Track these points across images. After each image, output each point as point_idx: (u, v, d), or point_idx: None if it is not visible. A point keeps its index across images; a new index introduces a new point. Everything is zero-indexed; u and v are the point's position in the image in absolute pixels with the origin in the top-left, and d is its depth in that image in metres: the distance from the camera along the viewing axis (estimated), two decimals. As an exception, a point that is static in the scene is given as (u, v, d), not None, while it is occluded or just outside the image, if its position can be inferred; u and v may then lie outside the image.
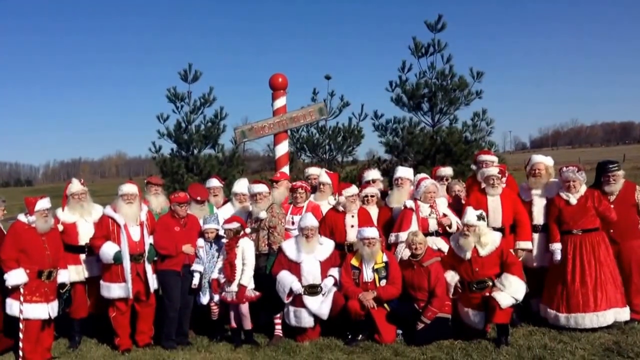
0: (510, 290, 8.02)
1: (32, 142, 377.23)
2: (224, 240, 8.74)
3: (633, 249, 8.70)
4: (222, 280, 8.67)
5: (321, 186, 9.86)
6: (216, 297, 8.79)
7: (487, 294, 8.13)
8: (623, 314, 8.43)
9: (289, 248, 8.82)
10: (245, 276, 8.62)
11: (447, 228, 8.88)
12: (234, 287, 8.60)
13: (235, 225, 8.68)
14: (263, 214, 9.01)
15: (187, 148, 15.62)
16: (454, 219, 8.95)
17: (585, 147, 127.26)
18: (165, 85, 15.86)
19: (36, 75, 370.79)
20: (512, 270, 8.10)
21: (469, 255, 8.18)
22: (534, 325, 8.74)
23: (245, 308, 8.63)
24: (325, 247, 8.89)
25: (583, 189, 8.72)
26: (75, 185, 9.07)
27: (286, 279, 8.66)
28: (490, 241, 8.16)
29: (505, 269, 8.14)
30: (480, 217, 8.22)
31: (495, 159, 9.71)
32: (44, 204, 8.16)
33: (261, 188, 9.17)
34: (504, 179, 9.10)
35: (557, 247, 8.66)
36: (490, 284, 8.18)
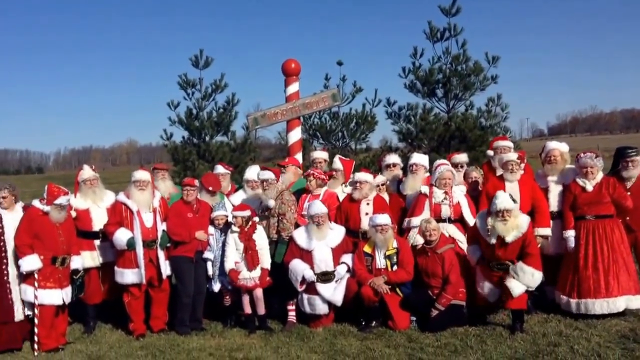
0: (524, 280, 7.95)
1: (43, 129, 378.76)
2: (235, 228, 8.70)
3: (649, 237, 8.62)
4: (240, 269, 8.66)
5: (334, 172, 9.84)
6: (227, 284, 8.81)
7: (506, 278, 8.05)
8: (636, 301, 8.36)
9: (300, 237, 8.80)
10: (267, 260, 8.74)
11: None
12: (255, 273, 8.63)
13: (246, 213, 8.67)
14: (272, 203, 8.99)
15: (199, 135, 15.57)
16: (466, 210, 8.89)
17: (604, 134, 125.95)
18: (177, 72, 15.80)
19: (46, 61, 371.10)
20: (528, 261, 7.97)
21: (494, 240, 8.03)
22: (549, 312, 8.69)
23: (260, 292, 8.65)
24: (336, 233, 8.86)
25: (600, 175, 8.65)
26: (87, 172, 9.09)
27: (298, 267, 8.65)
28: (518, 225, 7.96)
29: (522, 257, 8.03)
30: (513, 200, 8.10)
31: (511, 145, 9.64)
32: (62, 200, 8.16)
33: (268, 175, 9.13)
34: (522, 165, 9.02)
35: (570, 234, 8.60)
36: (511, 266, 8.08)
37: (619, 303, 8.26)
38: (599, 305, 8.26)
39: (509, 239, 7.94)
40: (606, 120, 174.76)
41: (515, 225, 7.93)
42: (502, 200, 7.93)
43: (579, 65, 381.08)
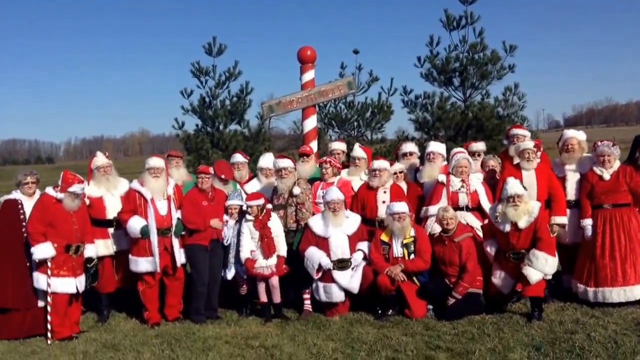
0: (538, 266, 7.90)
1: (53, 119, 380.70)
2: (249, 217, 8.66)
3: (666, 226, 8.55)
4: (255, 258, 8.63)
5: (356, 161, 9.78)
6: (243, 273, 8.79)
7: (522, 266, 8.01)
8: (653, 289, 8.34)
9: (316, 224, 8.75)
10: (283, 247, 8.71)
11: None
12: (271, 261, 8.60)
13: (260, 201, 8.63)
14: (297, 190, 8.94)
15: (212, 124, 15.56)
16: (484, 198, 8.82)
17: (620, 126, 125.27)
18: (190, 60, 15.73)
19: (55, 48, 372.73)
20: (540, 247, 7.93)
21: (508, 228, 8.04)
22: (565, 301, 8.65)
23: (276, 280, 8.62)
24: (352, 221, 8.82)
25: (617, 164, 8.59)
26: (100, 159, 9.05)
27: (315, 255, 8.61)
28: (529, 211, 7.98)
29: (535, 244, 8.00)
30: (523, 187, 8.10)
31: (528, 133, 9.59)
32: (77, 188, 8.11)
33: (286, 163, 9.09)
34: (539, 154, 8.96)
35: (588, 222, 8.55)
36: (526, 254, 8.05)
37: (636, 291, 8.23)
38: (616, 294, 8.23)
39: (521, 224, 7.96)
40: (622, 111, 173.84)
41: (526, 210, 7.97)
42: (513, 185, 8.00)
43: (595, 57, 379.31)
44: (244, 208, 8.82)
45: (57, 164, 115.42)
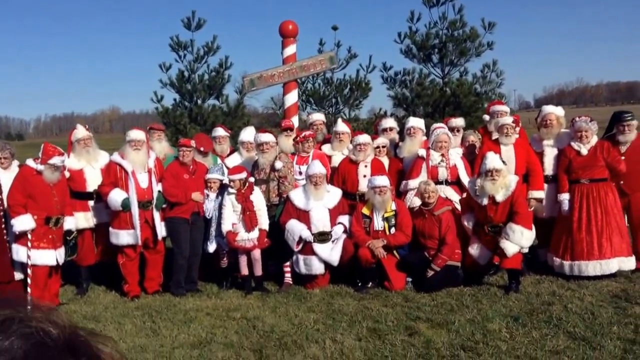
0: (515, 239, 8.03)
1: (22, 95, 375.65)
2: (232, 190, 8.67)
3: (643, 200, 8.69)
4: (237, 231, 8.65)
5: (340, 135, 9.83)
6: (224, 246, 8.81)
7: (499, 239, 8.14)
8: (628, 263, 8.50)
9: (297, 197, 8.81)
10: (265, 221, 8.73)
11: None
12: (253, 235, 8.62)
13: (243, 175, 8.65)
14: (279, 164, 8.98)
15: (190, 98, 15.45)
16: (463, 172, 8.91)
17: (590, 107, 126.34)
18: (163, 36, 15.63)
19: (25, 27, 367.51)
20: (516, 220, 8.06)
21: (486, 201, 8.15)
22: (541, 274, 8.79)
23: (258, 253, 8.66)
24: (333, 194, 8.89)
25: (594, 139, 8.71)
26: (81, 131, 9.02)
27: (295, 227, 8.67)
28: (507, 184, 8.09)
29: (512, 217, 8.12)
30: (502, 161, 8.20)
31: (507, 109, 9.70)
32: (57, 160, 8.06)
33: (268, 137, 9.11)
34: (517, 129, 9.06)
35: (565, 197, 8.68)
36: (503, 228, 8.18)
37: (612, 265, 8.39)
38: (592, 267, 8.39)
39: (498, 197, 8.08)
40: (592, 92, 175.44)
41: (504, 185, 8.08)
42: (492, 160, 8.10)
43: (566, 38, 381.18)
44: (225, 182, 8.84)
45: (28, 140, 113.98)
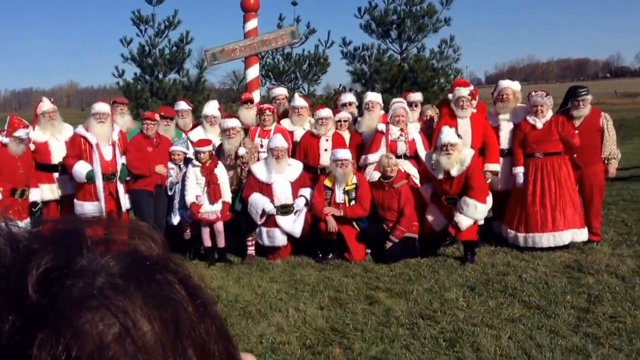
0: (469, 213, 8.23)
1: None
2: (197, 163, 8.74)
3: (595, 173, 8.93)
4: (201, 203, 8.75)
5: (298, 110, 9.93)
6: (187, 218, 8.91)
7: (454, 213, 8.35)
8: (580, 234, 8.73)
9: (259, 170, 8.91)
10: (228, 194, 8.83)
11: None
12: (217, 207, 8.72)
13: (210, 148, 8.74)
14: (242, 150, 9.05)
15: (152, 72, 15.42)
16: (421, 147, 9.09)
17: (541, 84, 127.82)
18: (124, 11, 15.59)
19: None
20: (470, 194, 8.23)
21: (441, 175, 8.31)
22: (496, 245, 9.01)
23: (221, 225, 8.78)
24: (294, 168, 9.03)
25: (549, 114, 8.89)
26: (46, 104, 9.01)
27: (258, 201, 8.78)
28: (461, 159, 8.24)
29: (466, 191, 8.31)
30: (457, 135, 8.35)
31: (471, 88, 9.83)
32: (22, 133, 8.08)
33: (234, 123, 9.14)
34: (474, 102, 9.23)
35: (520, 170, 8.87)
36: (457, 201, 8.38)
37: (565, 236, 8.62)
38: (546, 239, 8.60)
39: (453, 172, 8.22)
40: (542, 69, 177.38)
41: (458, 159, 8.20)
42: (447, 134, 8.21)
43: (517, 15, 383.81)
44: (189, 155, 8.92)
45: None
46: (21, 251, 0.53)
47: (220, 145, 9.31)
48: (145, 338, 0.51)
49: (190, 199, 8.72)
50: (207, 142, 8.84)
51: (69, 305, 0.49)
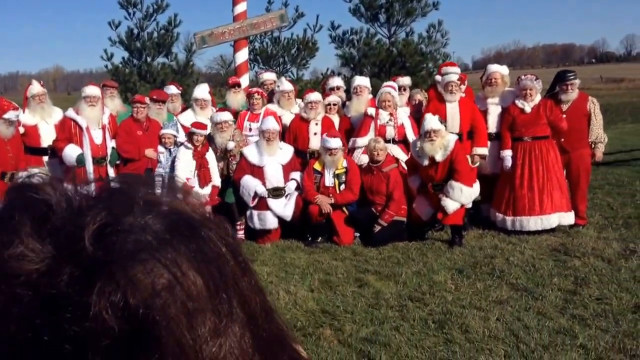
0: (455, 196, 8.27)
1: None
2: (189, 146, 8.72)
3: (582, 157, 9.00)
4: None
5: (287, 94, 9.94)
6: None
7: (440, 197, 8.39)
8: (567, 218, 8.81)
9: (251, 153, 8.92)
10: (217, 178, 8.88)
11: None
12: (206, 191, 8.74)
13: (207, 132, 8.78)
14: (231, 144, 9.04)
15: (140, 56, 15.36)
16: (409, 131, 9.14)
17: (526, 69, 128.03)
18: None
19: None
20: (456, 178, 8.27)
21: (426, 161, 8.34)
22: (484, 229, 9.08)
23: (209, 209, 8.74)
24: (285, 151, 9.05)
25: (538, 98, 8.93)
26: (36, 87, 8.98)
27: (250, 183, 8.80)
28: (445, 145, 8.26)
29: (452, 175, 8.35)
30: (440, 122, 8.39)
31: (458, 70, 9.88)
32: (12, 115, 8.05)
33: (226, 116, 9.09)
34: (462, 87, 9.27)
35: (507, 154, 8.91)
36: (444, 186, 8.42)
37: (552, 220, 8.70)
38: (534, 222, 8.68)
39: (438, 157, 8.25)
40: (528, 54, 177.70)
41: (442, 145, 8.23)
42: (430, 121, 8.25)
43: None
44: (179, 139, 8.93)
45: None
46: (76, 209, 0.57)
47: (211, 135, 9.30)
48: (193, 287, 0.55)
49: (180, 179, 8.66)
50: (204, 126, 8.83)
51: (122, 258, 0.53)
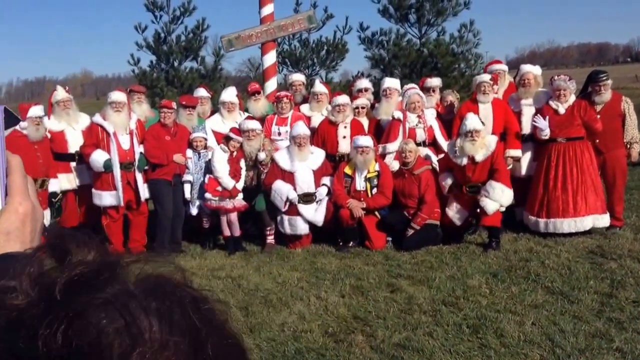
0: (495, 196, 8.16)
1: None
2: (226, 149, 8.67)
3: (617, 158, 8.82)
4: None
5: (318, 96, 9.81)
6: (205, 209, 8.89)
7: (479, 197, 8.27)
8: (602, 220, 8.64)
9: (282, 158, 8.85)
10: (241, 184, 8.82)
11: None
12: (238, 185, 8.71)
13: (241, 139, 8.73)
14: (262, 155, 8.94)
15: (167, 60, 15.36)
16: (438, 133, 9.00)
17: (561, 68, 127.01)
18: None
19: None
20: (496, 177, 8.18)
21: (465, 161, 8.23)
22: (518, 232, 8.93)
23: (234, 216, 8.75)
24: (317, 156, 8.94)
25: (572, 98, 8.78)
26: (60, 93, 9.02)
27: (282, 188, 8.71)
28: (486, 144, 8.18)
29: (491, 175, 8.23)
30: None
31: (505, 67, 9.73)
32: (36, 111, 8.12)
33: (254, 125, 8.98)
34: (495, 87, 9.14)
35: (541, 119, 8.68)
36: (482, 186, 8.29)
37: (586, 222, 8.53)
38: (567, 225, 8.52)
39: (478, 157, 8.15)
40: (563, 54, 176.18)
41: (483, 145, 8.15)
42: (472, 121, 8.14)
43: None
44: (209, 143, 8.90)
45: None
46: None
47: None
48: (147, 334, 0.54)
49: (222, 174, 8.59)
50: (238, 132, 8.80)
51: (84, 302, 0.54)
